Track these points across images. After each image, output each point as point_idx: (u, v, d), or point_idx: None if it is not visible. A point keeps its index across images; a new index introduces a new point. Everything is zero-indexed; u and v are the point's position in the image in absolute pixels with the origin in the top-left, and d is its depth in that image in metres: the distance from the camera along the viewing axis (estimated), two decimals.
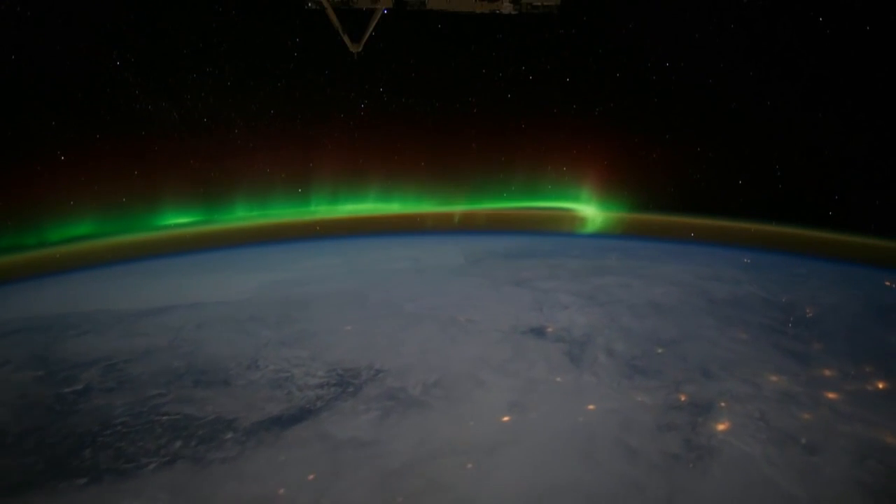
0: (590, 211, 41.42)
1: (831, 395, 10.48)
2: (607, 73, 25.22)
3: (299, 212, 29.55)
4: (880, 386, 10.99)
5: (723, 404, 10.10)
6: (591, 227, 42.05)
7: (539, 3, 4.67)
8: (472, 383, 11.01)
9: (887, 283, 21.37)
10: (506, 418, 9.79)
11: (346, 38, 5.01)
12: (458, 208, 31.45)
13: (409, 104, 25.78)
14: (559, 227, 34.36)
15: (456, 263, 21.56)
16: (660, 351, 12.36)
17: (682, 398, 10.35)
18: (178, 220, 27.84)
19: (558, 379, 11.11)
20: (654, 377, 11.08)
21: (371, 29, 4.94)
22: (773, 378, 11.08)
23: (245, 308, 16.44)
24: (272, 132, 26.45)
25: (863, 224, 25.98)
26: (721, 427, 9.49)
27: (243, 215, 29.17)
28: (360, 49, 5.09)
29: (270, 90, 24.76)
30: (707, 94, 26.07)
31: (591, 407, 10.11)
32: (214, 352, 13.22)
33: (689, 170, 29.29)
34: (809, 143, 25.46)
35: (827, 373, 11.41)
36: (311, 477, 8.30)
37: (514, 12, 4.76)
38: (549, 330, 13.62)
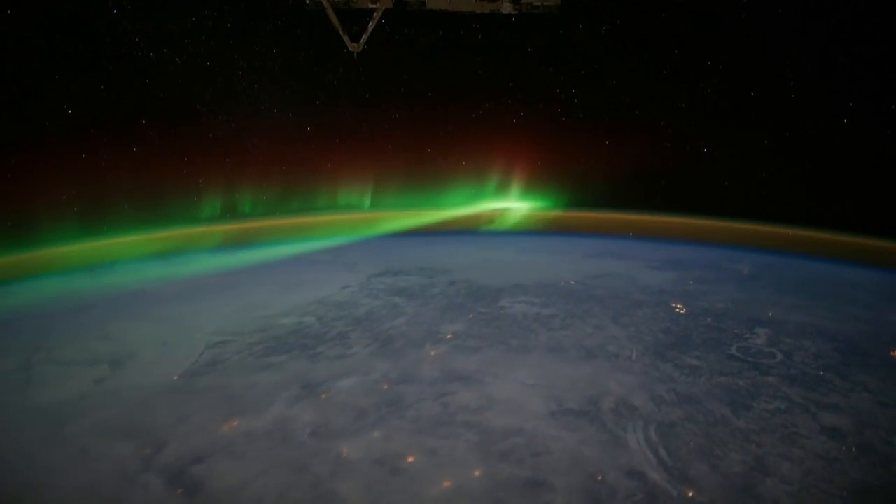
0: (509, 209, 36.78)
1: None
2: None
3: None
4: None
5: None
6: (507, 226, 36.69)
7: (539, 3, 4.89)
8: None
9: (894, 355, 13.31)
10: None
11: (346, 38, 5.22)
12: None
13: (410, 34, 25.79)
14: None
15: (161, 382, 12.86)
16: None
17: None
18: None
19: None
20: None
21: (371, 29, 5.19)
22: None
23: None
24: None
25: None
26: None
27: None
28: (360, 49, 5.32)
29: (271, 29, 24.88)
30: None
31: None
32: None
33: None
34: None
35: None
36: None
37: (514, 12, 5.02)
38: None
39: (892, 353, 13.30)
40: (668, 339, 13.81)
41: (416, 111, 31.45)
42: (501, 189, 38.75)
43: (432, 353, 13.36)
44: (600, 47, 27.15)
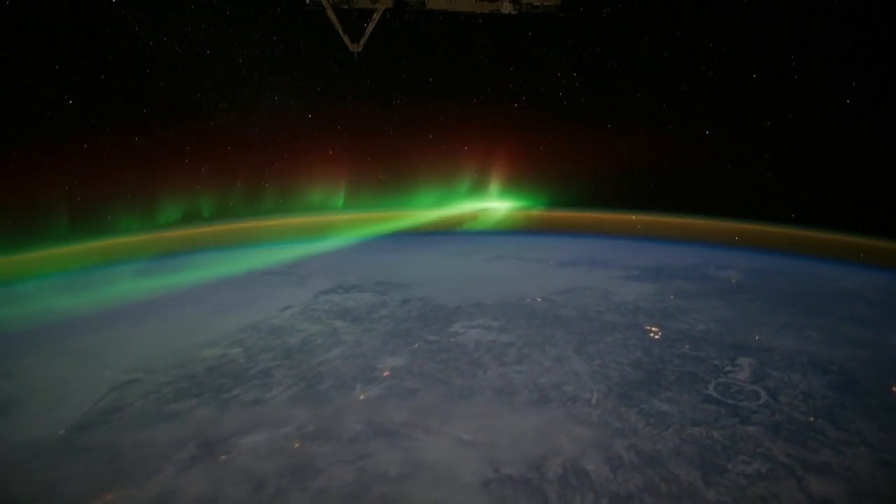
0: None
1: None
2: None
3: None
4: None
5: None
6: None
7: (539, 3, 5.07)
8: None
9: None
10: None
11: (345, 38, 5.18)
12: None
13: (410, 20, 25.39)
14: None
15: (43, 437, 11.07)
16: None
17: None
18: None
19: None
20: None
21: (371, 29, 5.16)
22: None
23: None
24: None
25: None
26: None
27: None
28: (359, 49, 5.27)
29: (270, 16, 24.89)
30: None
31: None
32: None
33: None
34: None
35: None
36: None
37: (514, 12, 5.13)
38: None
39: (894, 389, 11.62)
40: (636, 374, 12.09)
41: (417, 97, 31.75)
42: (493, 185, 37.70)
43: (361, 397, 11.62)
44: (601, 30, 27.07)
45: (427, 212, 38.36)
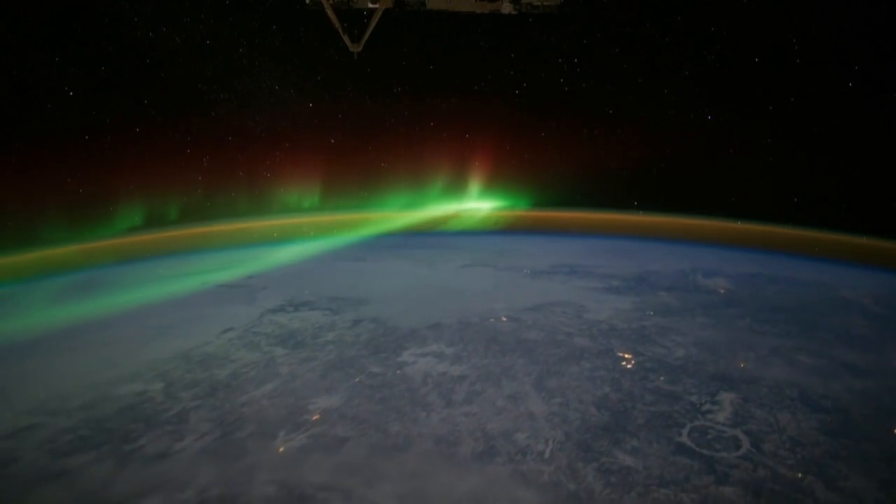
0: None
1: None
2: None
3: None
4: None
5: None
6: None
7: (539, 3, 5.01)
8: None
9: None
10: None
11: (346, 38, 5.16)
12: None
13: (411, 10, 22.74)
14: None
15: None
16: None
17: None
18: None
19: None
20: None
21: (371, 29, 5.13)
22: None
23: None
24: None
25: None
26: None
27: None
28: (360, 49, 5.23)
29: (270, 5, 24.98)
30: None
31: None
32: None
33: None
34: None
35: None
36: None
37: (514, 12, 5.13)
38: None
39: (895, 431, 10.16)
40: (600, 417, 10.60)
41: (418, 86, 31.82)
42: (484, 181, 36.65)
43: (281, 448, 10.12)
44: (601, 15, 27.19)
45: (411, 212, 37.03)
